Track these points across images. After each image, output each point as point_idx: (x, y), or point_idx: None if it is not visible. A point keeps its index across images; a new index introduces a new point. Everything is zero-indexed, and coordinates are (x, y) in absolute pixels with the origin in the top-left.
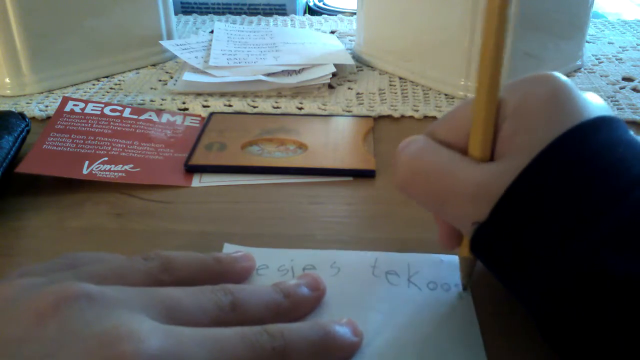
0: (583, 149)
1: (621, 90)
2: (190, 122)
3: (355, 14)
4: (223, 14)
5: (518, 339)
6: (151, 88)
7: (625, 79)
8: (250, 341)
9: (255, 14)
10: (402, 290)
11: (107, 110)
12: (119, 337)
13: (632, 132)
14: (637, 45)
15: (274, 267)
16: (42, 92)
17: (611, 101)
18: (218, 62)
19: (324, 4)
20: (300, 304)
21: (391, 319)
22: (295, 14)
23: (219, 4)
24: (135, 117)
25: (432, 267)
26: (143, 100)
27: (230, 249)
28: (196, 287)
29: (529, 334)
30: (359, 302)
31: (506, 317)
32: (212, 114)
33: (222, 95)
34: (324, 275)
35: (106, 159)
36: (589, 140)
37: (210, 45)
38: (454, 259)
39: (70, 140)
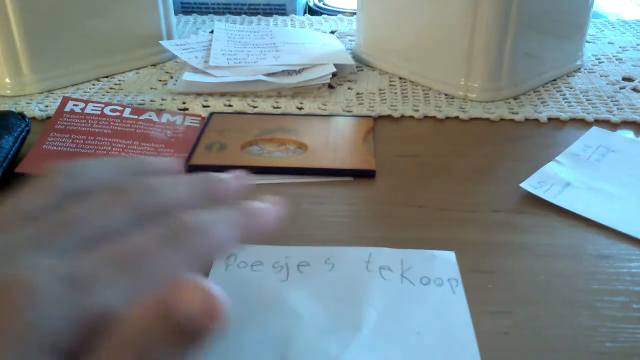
0: None
1: (621, 90)
2: (190, 122)
3: (355, 14)
4: (223, 14)
5: (512, 338)
6: (151, 88)
7: (625, 79)
8: (161, 234)
9: (255, 14)
10: (396, 285)
11: (107, 110)
12: (14, 282)
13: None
14: (637, 45)
15: (269, 264)
16: (42, 92)
17: (611, 101)
18: (218, 62)
19: (324, 4)
20: (230, 188)
21: (385, 314)
22: (295, 14)
23: (219, 4)
24: (135, 117)
25: (425, 263)
26: (143, 100)
27: None
28: (100, 194)
29: (523, 333)
30: (353, 297)
31: (501, 316)
32: (212, 114)
33: (222, 95)
34: (319, 271)
35: None
36: None
37: (210, 45)
38: (447, 254)
39: (70, 140)
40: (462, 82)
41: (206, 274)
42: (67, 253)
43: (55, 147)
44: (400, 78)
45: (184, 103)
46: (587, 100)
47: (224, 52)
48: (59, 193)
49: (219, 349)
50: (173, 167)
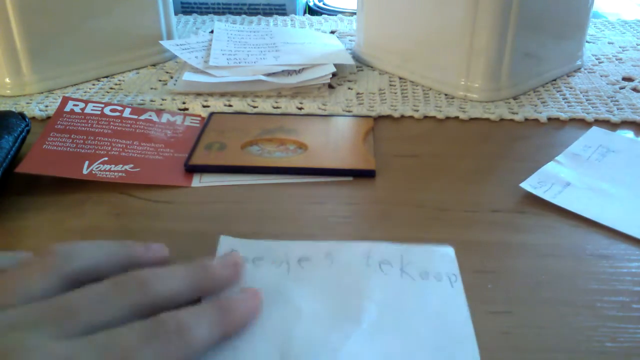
0: None
1: (621, 90)
2: (190, 122)
3: (355, 14)
4: (223, 14)
5: (512, 338)
6: (151, 88)
7: (625, 79)
8: (145, 332)
9: (255, 14)
10: (395, 279)
11: (107, 110)
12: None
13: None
14: (637, 45)
15: (269, 259)
16: (42, 92)
17: (611, 101)
18: (218, 62)
19: (324, 4)
20: (217, 279)
21: (384, 307)
22: (295, 14)
23: (219, 4)
24: (135, 117)
25: (424, 257)
26: (143, 100)
27: (226, 242)
28: (99, 285)
29: (523, 333)
30: (353, 292)
31: (501, 316)
32: (212, 114)
33: (222, 95)
34: (319, 266)
35: (106, 159)
36: None
37: (210, 45)
38: (447, 249)
39: (70, 140)
40: (462, 82)
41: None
42: (64, 338)
43: (55, 147)
44: (400, 78)
45: (184, 103)
46: (587, 100)
47: (224, 52)
48: (57, 275)
49: (221, 345)
50: (163, 254)
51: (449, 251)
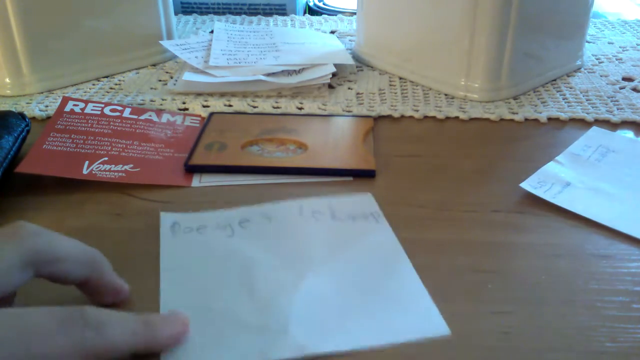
0: None
1: (621, 90)
2: (190, 122)
3: (355, 14)
4: (223, 14)
5: (512, 338)
6: (151, 88)
7: (625, 79)
8: (61, 317)
9: (255, 14)
10: (329, 224)
11: (107, 110)
12: None
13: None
14: (637, 45)
15: (212, 226)
16: (42, 92)
17: (611, 101)
18: (218, 62)
19: (324, 4)
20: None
21: (326, 248)
22: (295, 14)
23: (219, 4)
24: (135, 117)
25: (349, 203)
26: (143, 100)
27: (167, 218)
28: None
29: (523, 333)
30: (295, 239)
31: (501, 316)
32: (212, 114)
33: (222, 95)
34: (259, 224)
35: (106, 159)
36: None
37: (210, 45)
38: (366, 195)
39: (70, 140)
40: (462, 82)
41: (156, 241)
42: None
43: (55, 147)
44: (400, 78)
45: (184, 103)
46: (587, 100)
47: (224, 52)
48: (17, 251)
49: (192, 305)
50: (124, 293)
51: (368, 196)
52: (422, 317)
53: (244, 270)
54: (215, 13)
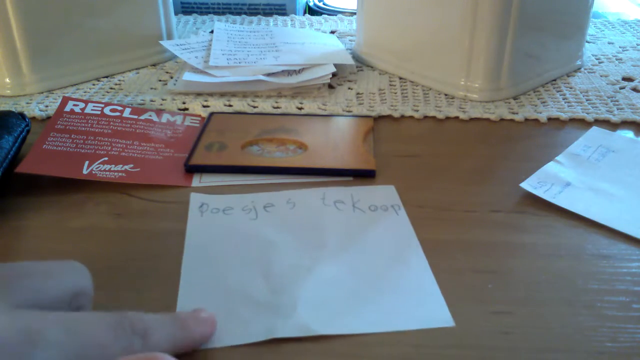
0: None
1: (621, 90)
2: (190, 122)
3: (355, 14)
4: (223, 14)
5: (512, 338)
6: (151, 88)
7: (625, 79)
8: (111, 323)
9: (255, 14)
10: (349, 214)
11: (107, 110)
12: None
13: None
14: (637, 45)
15: (239, 208)
16: (42, 92)
17: (611, 101)
18: (218, 62)
19: (324, 4)
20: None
21: (343, 235)
22: (295, 14)
23: (219, 4)
24: (135, 117)
25: (371, 194)
26: (143, 100)
27: (196, 198)
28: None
29: (523, 333)
30: (315, 225)
31: (501, 316)
32: (212, 114)
33: (222, 95)
34: (283, 209)
35: (106, 159)
36: None
37: (210, 45)
38: (389, 187)
39: (70, 140)
40: (462, 82)
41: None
42: (15, 306)
43: (55, 147)
44: (400, 78)
45: (184, 103)
46: (587, 100)
47: (224, 52)
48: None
49: (210, 281)
50: None
51: (391, 188)
52: (428, 308)
53: (263, 252)
54: (215, 13)
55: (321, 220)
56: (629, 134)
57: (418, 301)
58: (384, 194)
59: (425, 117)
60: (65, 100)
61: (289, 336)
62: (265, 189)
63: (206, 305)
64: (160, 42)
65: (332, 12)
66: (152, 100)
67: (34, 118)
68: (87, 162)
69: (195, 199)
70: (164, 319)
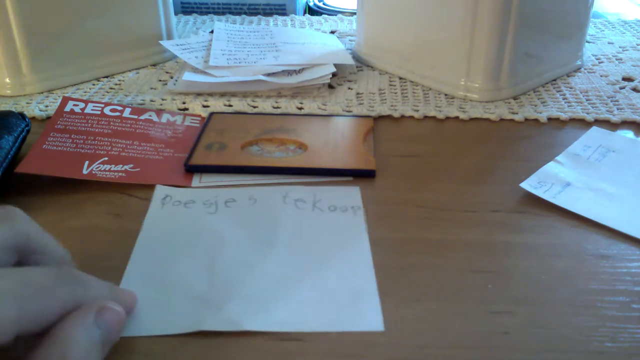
0: None
1: (621, 90)
2: (190, 122)
3: (355, 14)
4: (223, 14)
5: (512, 338)
6: (151, 88)
7: (625, 79)
8: (52, 270)
9: (255, 14)
10: (308, 212)
11: (107, 110)
12: None
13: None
14: (637, 45)
15: (200, 202)
16: (42, 92)
17: (611, 101)
18: (218, 62)
19: (324, 4)
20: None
21: (296, 234)
22: (295, 14)
23: (219, 4)
24: (135, 117)
25: (334, 194)
26: (143, 100)
27: (161, 190)
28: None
29: (523, 333)
30: (270, 223)
31: (501, 316)
32: (212, 114)
33: (222, 95)
34: (243, 205)
35: (106, 159)
36: None
37: (210, 45)
38: (353, 188)
39: (70, 140)
40: (462, 82)
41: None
42: None
43: (55, 147)
44: (400, 78)
45: (184, 103)
46: (587, 100)
47: (224, 52)
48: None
49: (153, 273)
50: None
51: (356, 189)
52: (362, 311)
53: (212, 245)
54: (215, 13)
55: (277, 218)
56: (629, 134)
57: (353, 304)
58: (347, 194)
59: (425, 117)
60: (65, 100)
61: (215, 329)
62: (267, 189)
63: (143, 294)
64: (160, 42)
65: (332, 12)
66: (152, 100)
67: (34, 118)
68: (87, 162)
69: (159, 191)
70: (97, 279)
